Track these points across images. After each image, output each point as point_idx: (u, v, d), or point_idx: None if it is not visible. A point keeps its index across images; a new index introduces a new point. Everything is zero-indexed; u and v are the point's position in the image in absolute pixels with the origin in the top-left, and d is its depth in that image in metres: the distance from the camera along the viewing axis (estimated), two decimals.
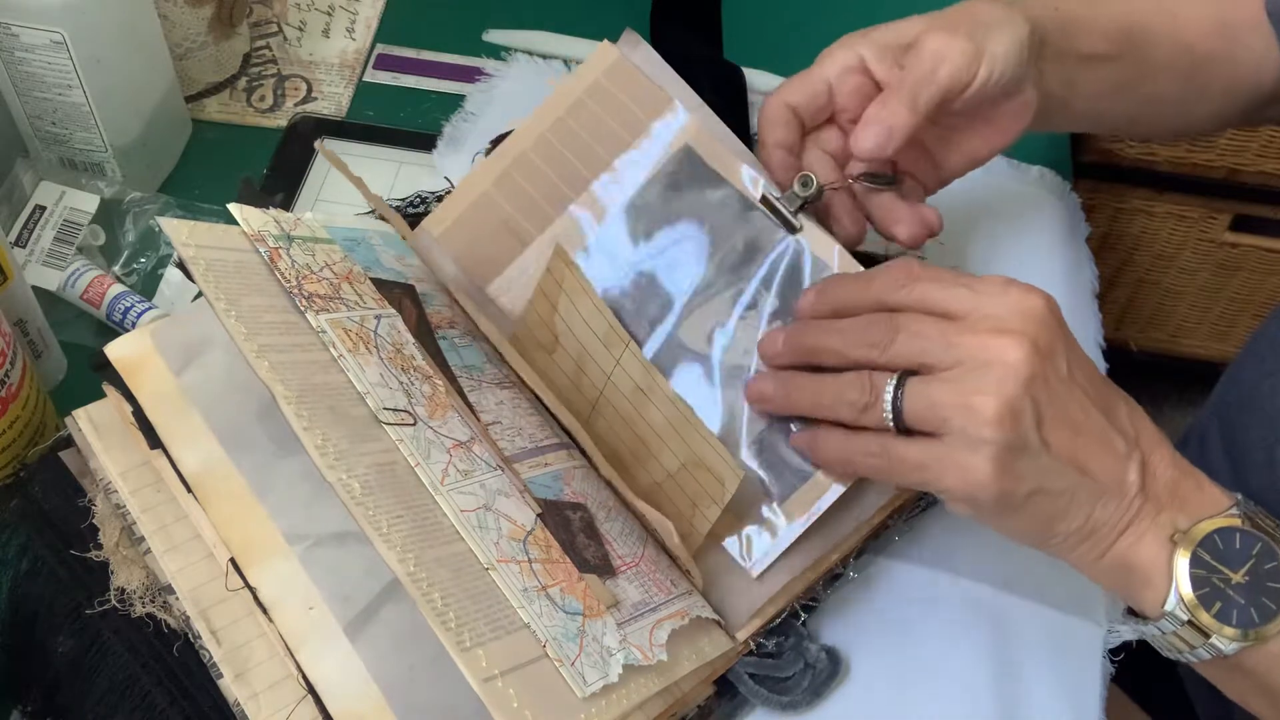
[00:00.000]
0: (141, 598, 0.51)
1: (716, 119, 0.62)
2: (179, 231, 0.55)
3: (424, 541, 0.49)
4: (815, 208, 0.59)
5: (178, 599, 0.50)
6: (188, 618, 0.49)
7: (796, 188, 0.58)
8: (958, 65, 0.57)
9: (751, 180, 0.60)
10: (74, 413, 0.54)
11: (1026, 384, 0.47)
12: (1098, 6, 0.65)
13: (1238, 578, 0.50)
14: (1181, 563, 0.50)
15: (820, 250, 0.58)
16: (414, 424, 0.53)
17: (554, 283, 0.58)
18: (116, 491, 0.52)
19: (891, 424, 0.50)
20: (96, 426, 0.53)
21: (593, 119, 0.63)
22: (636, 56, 0.63)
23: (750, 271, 0.59)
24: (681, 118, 0.62)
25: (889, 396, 0.49)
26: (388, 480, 0.51)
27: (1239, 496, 0.52)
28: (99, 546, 0.52)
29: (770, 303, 0.58)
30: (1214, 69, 0.68)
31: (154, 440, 0.52)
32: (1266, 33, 0.68)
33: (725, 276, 0.59)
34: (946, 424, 0.48)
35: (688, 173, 0.61)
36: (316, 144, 0.62)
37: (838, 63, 0.59)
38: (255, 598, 0.49)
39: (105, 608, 0.51)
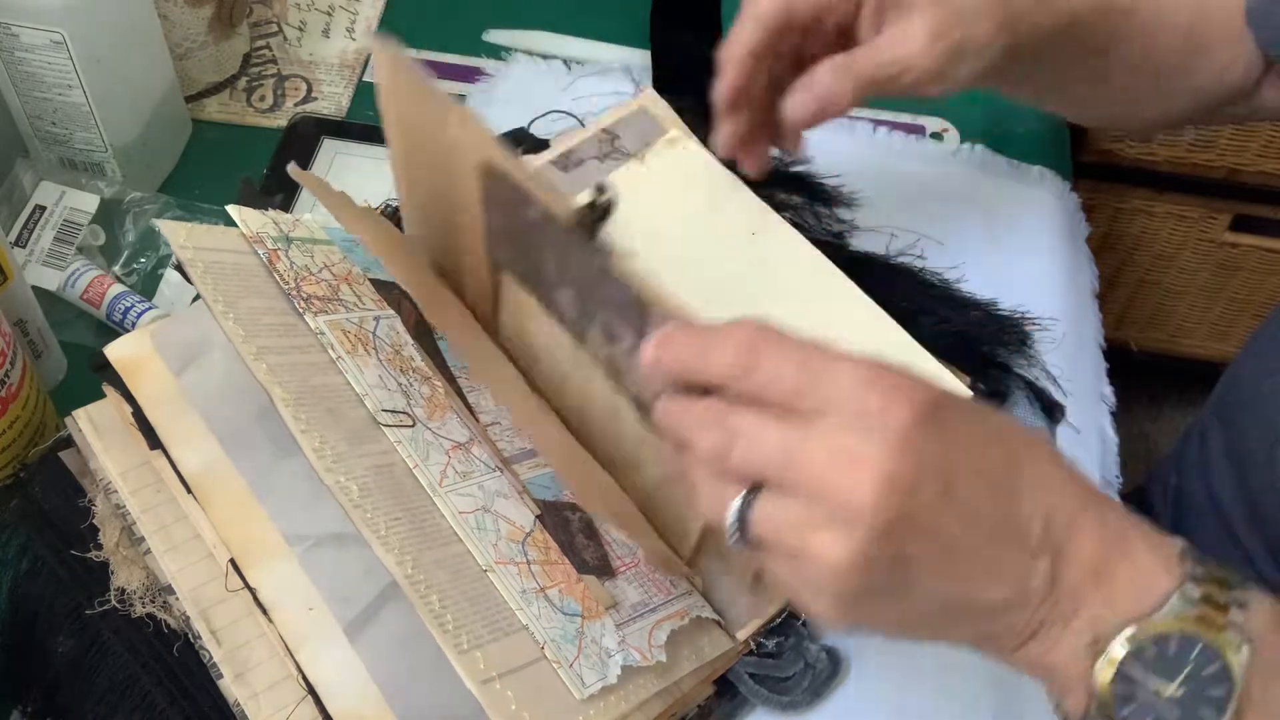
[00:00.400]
0: (141, 598, 0.51)
1: (481, 118, 0.50)
2: (177, 234, 0.55)
3: (422, 543, 0.49)
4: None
5: (178, 599, 0.50)
6: (188, 618, 0.49)
7: (590, 198, 0.47)
8: (916, 81, 0.56)
9: (553, 194, 0.48)
10: (74, 413, 0.54)
11: (881, 533, 0.38)
12: (1085, 12, 0.63)
13: (1171, 690, 0.40)
14: (1101, 676, 0.40)
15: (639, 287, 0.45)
16: (413, 425, 0.53)
17: (526, 299, 0.56)
18: (116, 492, 0.52)
19: (742, 544, 0.41)
20: (96, 427, 0.53)
21: (421, 137, 0.53)
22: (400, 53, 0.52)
23: (593, 302, 0.49)
24: (461, 127, 0.50)
25: (733, 517, 0.40)
26: (386, 482, 0.51)
27: (1187, 564, 0.41)
28: (99, 546, 0.52)
29: (627, 338, 0.48)
30: (1179, 71, 0.67)
31: (154, 441, 0.52)
32: (1237, 33, 0.67)
33: (582, 307, 0.50)
34: (794, 553, 0.40)
35: (499, 193, 0.50)
36: (290, 168, 0.57)
37: None
38: (255, 598, 0.49)
39: (105, 608, 0.51)
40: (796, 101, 0.56)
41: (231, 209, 0.57)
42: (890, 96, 0.58)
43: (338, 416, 0.52)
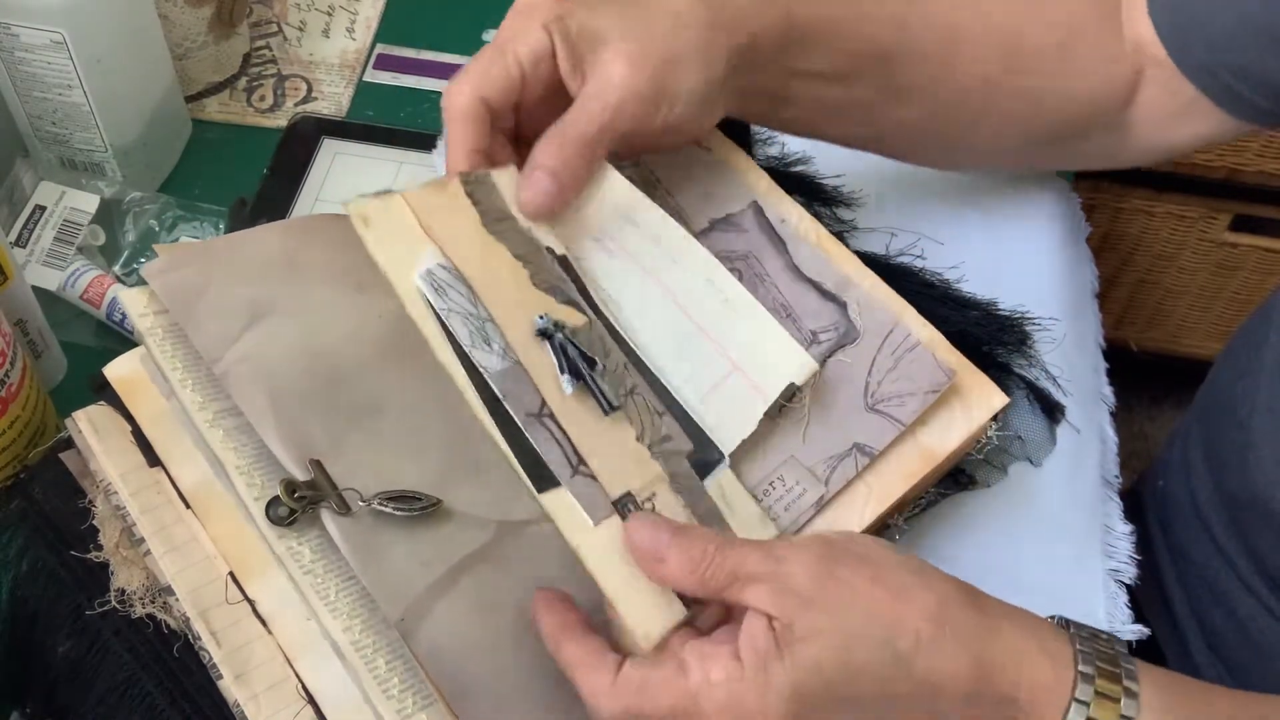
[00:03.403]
0: (142, 599, 0.51)
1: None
2: (137, 302, 0.52)
3: (371, 606, 0.48)
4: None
5: (177, 600, 0.50)
6: (188, 619, 0.49)
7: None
8: (637, 111, 0.53)
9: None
10: (74, 414, 0.54)
11: None
12: (844, 22, 0.60)
13: None
14: None
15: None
16: None
17: None
18: (117, 493, 0.52)
19: None
20: (97, 428, 0.53)
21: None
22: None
23: None
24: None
25: None
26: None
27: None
28: (99, 547, 0.52)
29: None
30: (993, 98, 0.64)
31: (153, 458, 0.52)
32: (1075, 60, 0.64)
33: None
34: None
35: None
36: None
37: (532, 47, 0.53)
38: (254, 610, 0.49)
39: (105, 608, 0.51)
40: (531, 193, 0.53)
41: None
42: (637, 145, 0.55)
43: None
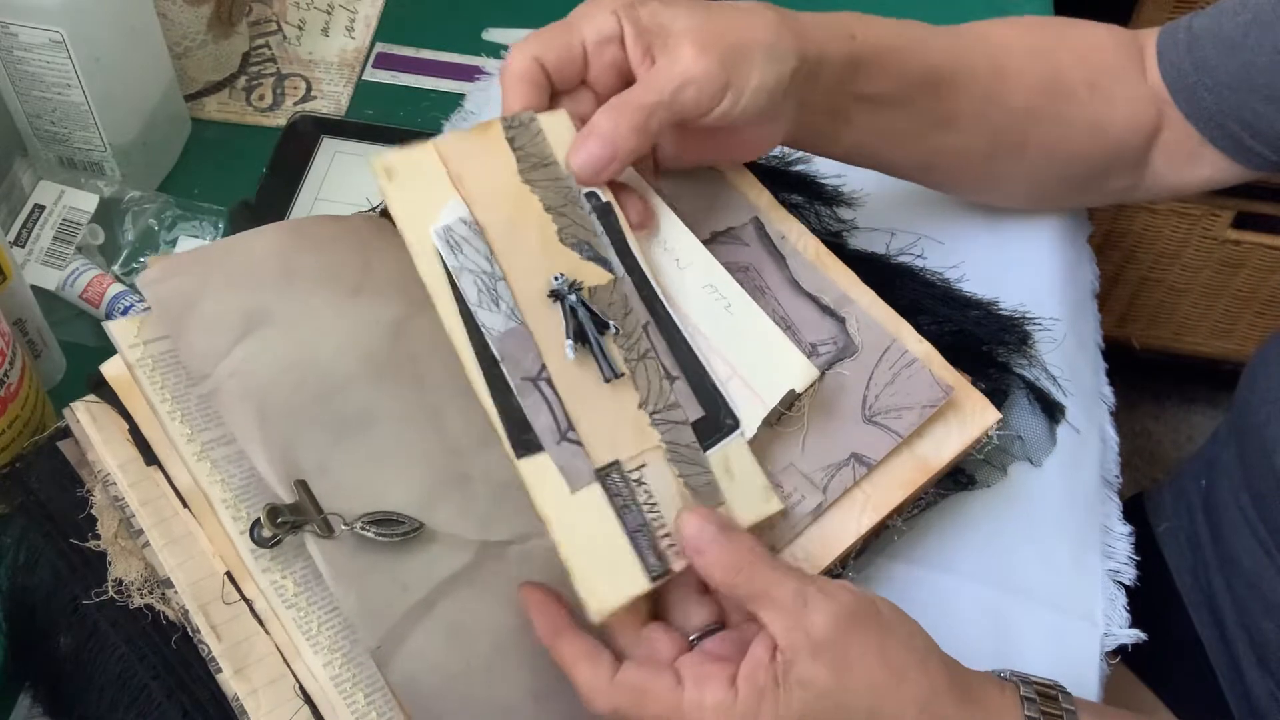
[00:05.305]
0: (139, 589, 0.51)
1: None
2: (127, 332, 0.52)
3: (353, 639, 0.49)
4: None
5: (176, 593, 0.50)
6: (186, 612, 0.49)
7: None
8: (700, 94, 0.53)
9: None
10: (72, 405, 0.53)
11: None
12: (904, 48, 0.61)
13: None
14: None
15: None
16: None
17: None
18: (115, 484, 0.52)
19: None
20: (95, 419, 0.53)
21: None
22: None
23: None
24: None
25: None
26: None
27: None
28: (96, 537, 0.52)
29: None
30: (1033, 128, 0.66)
31: (150, 457, 0.52)
32: (1107, 94, 0.66)
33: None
34: None
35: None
36: None
37: (598, 28, 0.54)
38: (251, 610, 0.49)
39: (102, 599, 0.51)
40: (581, 156, 0.53)
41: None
42: (700, 147, 0.56)
43: None
